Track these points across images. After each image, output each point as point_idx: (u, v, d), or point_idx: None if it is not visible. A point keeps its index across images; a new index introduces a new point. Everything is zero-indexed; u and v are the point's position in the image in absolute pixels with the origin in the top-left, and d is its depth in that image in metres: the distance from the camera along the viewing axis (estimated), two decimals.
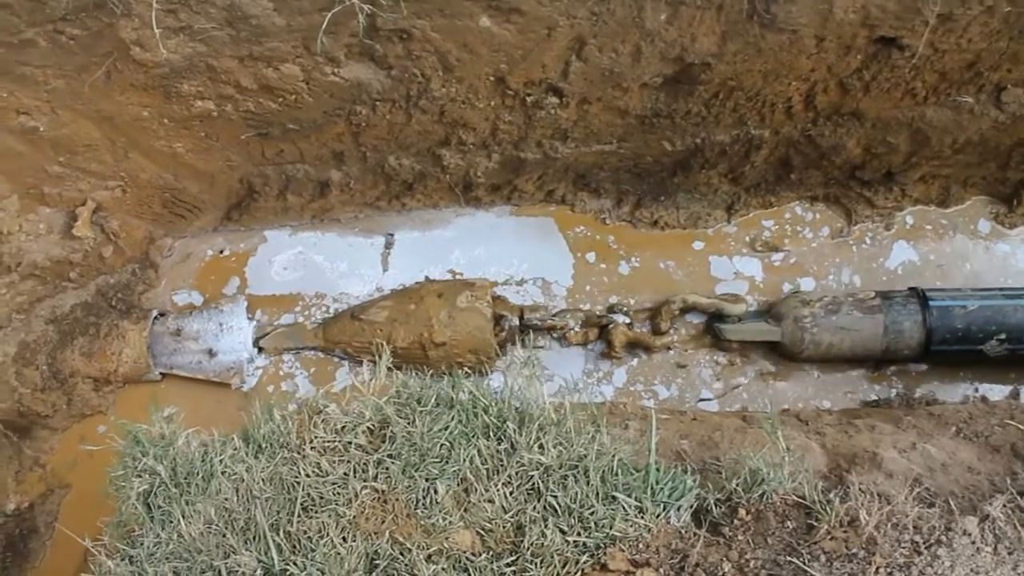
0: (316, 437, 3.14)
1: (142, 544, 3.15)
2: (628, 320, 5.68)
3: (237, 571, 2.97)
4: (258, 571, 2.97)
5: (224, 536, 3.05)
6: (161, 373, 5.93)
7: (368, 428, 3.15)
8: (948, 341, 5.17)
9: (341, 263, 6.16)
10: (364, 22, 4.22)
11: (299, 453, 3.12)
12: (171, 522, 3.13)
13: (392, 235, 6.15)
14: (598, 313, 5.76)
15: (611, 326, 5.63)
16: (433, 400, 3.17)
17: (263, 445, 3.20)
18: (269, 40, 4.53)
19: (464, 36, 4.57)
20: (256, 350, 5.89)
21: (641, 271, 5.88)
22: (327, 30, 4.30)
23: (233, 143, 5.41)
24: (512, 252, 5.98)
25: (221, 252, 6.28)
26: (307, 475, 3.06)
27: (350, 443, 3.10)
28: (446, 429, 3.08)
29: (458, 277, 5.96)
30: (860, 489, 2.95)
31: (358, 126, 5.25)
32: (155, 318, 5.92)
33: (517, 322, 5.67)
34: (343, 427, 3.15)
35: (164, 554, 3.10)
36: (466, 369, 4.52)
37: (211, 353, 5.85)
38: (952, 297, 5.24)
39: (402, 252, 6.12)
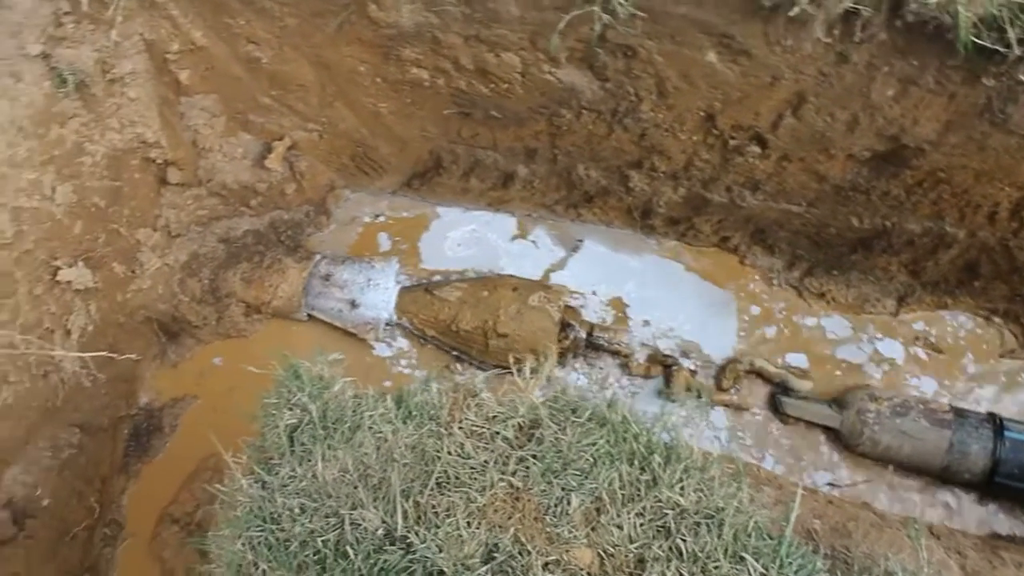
0: (466, 419, 3.18)
1: (277, 473, 3.25)
2: (694, 367, 5.64)
3: (360, 524, 3.04)
4: (379, 530, 3.02)
5: (356, 488, 3.12)
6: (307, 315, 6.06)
7: (519, 424, 3.18)
8: (1015, 476, 4.90)
9: (514, 245, 6.24)
10: (598, 30, 4.26)
11: (446, 430, 3.17)
12: (309, 461, 3.21)
13: (581, 241, 6.17)
14: (665, 352, 5.73)
15: (675, 367, 5.59)
16: (588, 414, 3.17)
17: (414, 413, 3.26)
18: (499, 26, 4.62)
19: (687, 66, 4.57)
20: (394, 315, 5.94)
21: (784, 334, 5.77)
22: (556, 30, 4.36)
23: (434, 115, 5.55)
24: (682, 308, 5.91)
25: (377, 217, 6.46)
26: (449, 453, 3.10)
27: (498, 433, 3.13)
28: (593, 445, 3.08)
29: (601, 301, 5.97)
30: None
31: (558, 128, 5.30)
32: (317, 261, 6.06)
33: (584, 335, 5.66)
34: (494, 416, 3.18)
35: (295, 489, 3.19)
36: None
37: (353, 304, 5.96)
38: None
39: (583, 258, 6.14)
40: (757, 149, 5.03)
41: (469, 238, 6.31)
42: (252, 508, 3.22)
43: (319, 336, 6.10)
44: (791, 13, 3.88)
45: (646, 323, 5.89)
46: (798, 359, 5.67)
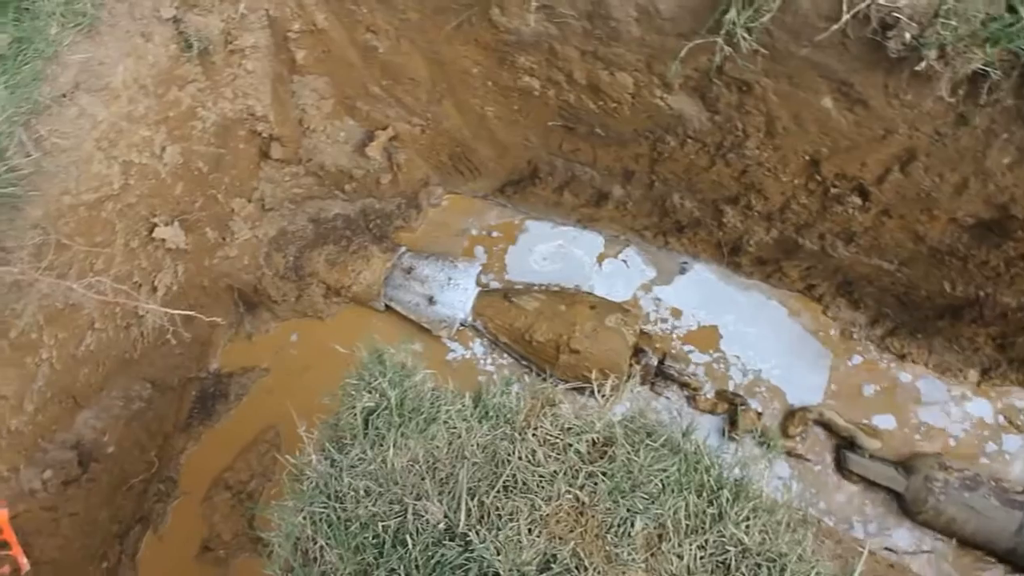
0: (542, 427, 3.20)
1: (347, 453, 3.30)
2: (761, 410, 5.60)
3: (423, 516, 3.07)
4: (441, 524, 3.06)
5: (423, 479, 3.16)
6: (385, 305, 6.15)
7: (593, 439, 3.19)
8: None
9: (607, 264, 6.26)
10: (717, 62, 4.27)
11: (520, 435, 3.19)
12: (381, 446, 3.26)
13: (687, 264, 6.15)
14: (733, 391, 5.69)
15: (742, 407, 5.56)
16: (662, 440, 3.17)
17: (490, 413, 3.29)
18: (617, 46, 4.65)
19: (800, 109, 4.55)
20: (469, 316, 5.99)
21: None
22: (676, 57, 4.37)
23: (538, 125, 5.59)
24: (777, 352, 5.85)
25: (466, 221, 6.53)
26: (520, 457, 3.12)
27: (571, 446, 3.15)
28: (664, 471, 3.08)
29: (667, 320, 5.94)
30: None
31: (660, 154, 5.31)
32: (401, 253, 6.15)
33: (655, 362, 5.67)
34: (570, 428, 3.20)
35: (363, 471, 3.24)
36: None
37: (431, 300, 6.04)
38: None
39: (688, 282, 6.13)
40: (858, 200, 4.96)
41: (555, 253, 6.35)
42: (318, 484, 3.28)
43: (393, 327, 6.22)
44: (916, 68, 3.83)
45: (736, 358, 5.88)
46: (884, 420, 5.57)
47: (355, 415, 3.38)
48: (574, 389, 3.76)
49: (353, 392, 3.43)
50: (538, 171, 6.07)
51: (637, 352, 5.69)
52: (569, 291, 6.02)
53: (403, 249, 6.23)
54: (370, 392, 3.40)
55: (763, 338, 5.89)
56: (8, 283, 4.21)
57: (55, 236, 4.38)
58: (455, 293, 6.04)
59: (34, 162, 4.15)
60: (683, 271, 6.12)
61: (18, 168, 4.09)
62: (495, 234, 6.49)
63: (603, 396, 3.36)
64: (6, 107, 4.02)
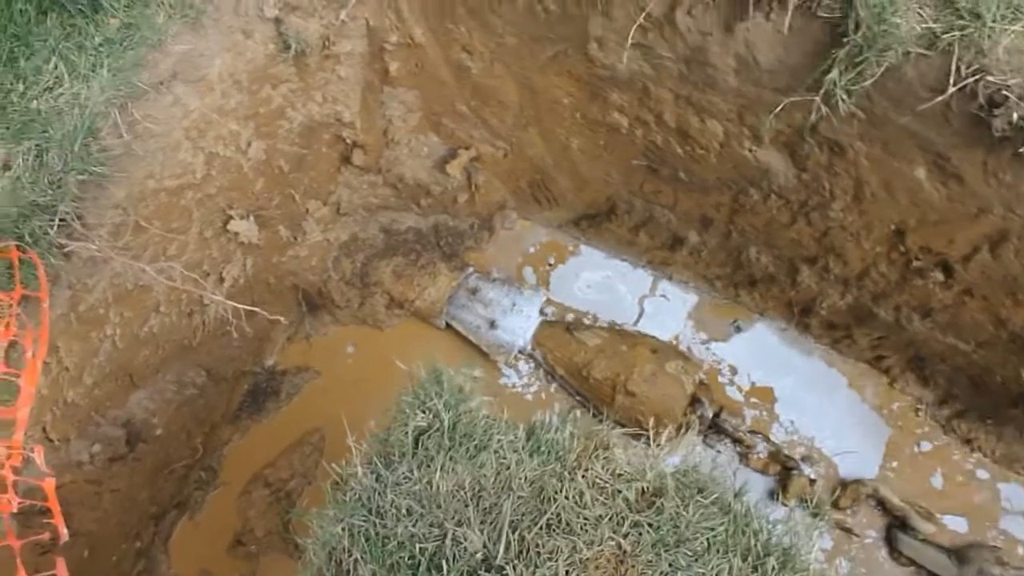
0: (592, 469, 3.18)
1: (394, 470, 3.31)
2: (814, 477, 5.47)
3: (462, 543, 3.06)
4: (479, 554, 3.04)
5: (466, 506, 3.15)
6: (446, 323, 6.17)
7: (643, 488, 3.16)
8: None
9: (648, 304, 6.25)
10: (812, 120, 4.22)
11: (569, 474, 3.17)
12: (428, 467, 3.26)
13: (738, 327, 6.10)
14: (787, 454, 5.57)
15: (795, 472, 5.46)
16: (713, 497, 3.12)
17: (542, 448, 3.27)
18: (712, 93, 4.64)
19: (891, 177, 4.48)
20: (529, 345, 5.96)
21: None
22: (770, 111, 4.34)
23: (621, 163, 5.59)
24: (833, 421, 5.74)
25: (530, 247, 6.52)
26: (567, 497, 3.10)
27: (619, 492, 3.12)
28: (712, 530, 3.03)
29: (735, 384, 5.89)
30: None
31: (741, 206, 5.27)
32: (468, 274, 6.19)
33: (711, 415, 5.58)
34: (620, 474, 3.17)
35: (408, 490, 3.24)
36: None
37: (492, 325, 6.04)
38: None
39: (747, 340, 6.06)
40: (940, 276, 4.86)
41: (601, 283, 6.35)
42: (361, 497, 3.28)
43: (451, 346, 6.24)
44: (1021, 149, 3.75)
45: (791, 422, 5.79)
46: (955, 522, 5.37)
47: (406, 433, 3.38)
48: (629, 435, 3.71)
49: (407, 409, 3.44)
50: (616, 208, 6.06)
51: (694, 402, 5.62)
52: (631, 332, 5.99)
53: (471, 270, 6.26)
54: (424, 412, 3.41)
55: (820, 405, 5.79)
56: (84, 258, 4.31)
57: (134, 218, 4.48)
58: (517, 320, 6.03)
59: (125, 144, 4.27)
60: (738, 329, 6.07)
61: (109, 149, 4.20)
62: (546, 253, 6.51)
63: (658, 445, 3.32)
64: (106, 89, 4.14)
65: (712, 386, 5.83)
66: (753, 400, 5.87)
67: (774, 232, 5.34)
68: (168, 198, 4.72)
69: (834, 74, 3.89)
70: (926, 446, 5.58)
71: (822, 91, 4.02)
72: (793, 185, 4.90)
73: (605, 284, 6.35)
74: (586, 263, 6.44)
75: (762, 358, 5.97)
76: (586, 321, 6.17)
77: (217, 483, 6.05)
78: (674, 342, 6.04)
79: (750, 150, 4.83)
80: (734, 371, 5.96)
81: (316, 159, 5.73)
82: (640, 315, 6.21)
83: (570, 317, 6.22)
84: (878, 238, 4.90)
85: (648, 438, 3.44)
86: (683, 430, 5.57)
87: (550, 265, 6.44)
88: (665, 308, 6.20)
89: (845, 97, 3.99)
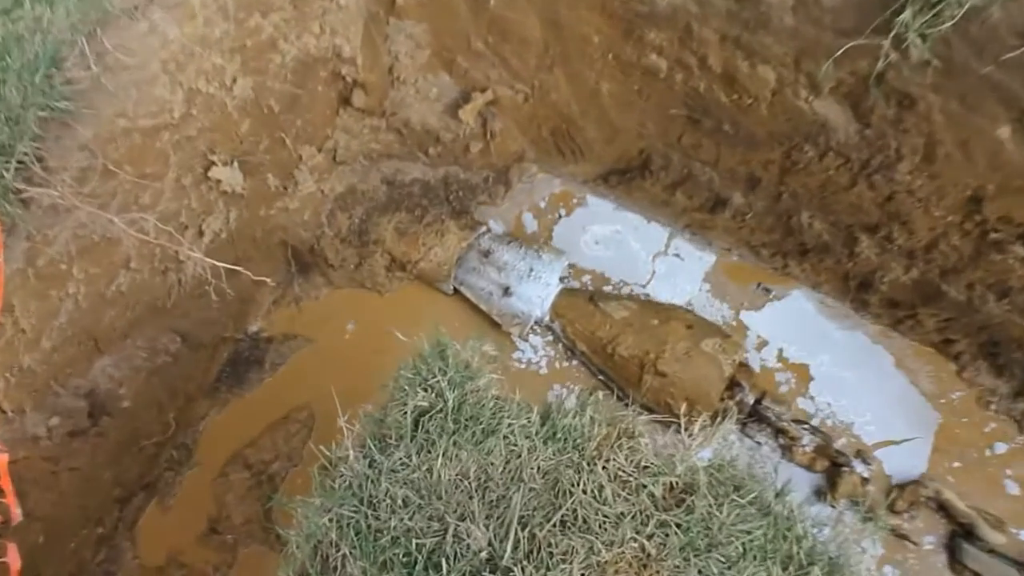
0: (614, 460, 3.17)
1: (390, 455, 3.31)
2: (867, 475, 5.40)
3: (464, 540, 3.06)
4: (484, 552, 3.04)
5: (471, 498, 3.15)
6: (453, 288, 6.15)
7: (671, 483, 3.15)
8: None
9: (660, 263, 6.20)
10: (879, 68, 4.16)
11: (588, 465, 3.17)
12: (429, 453, 3.26)
13: (770, 290, 6.03)
14: (839, 448, 5.50)
15: (845, 469, 5.40)
16: (752, 497, 3.11)
17: (558, 435, 3.26)
18: (765, 34, 4.57)
19: (970, 135, 4.40)
20: (547, 315, 5.93)
21: None
22: (831, 56, 4.28)
23: (658, 112, 5.53)
24: (875, 406, 5.66)
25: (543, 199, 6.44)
26: (584, 492, 3.09)
27: (644, 487, 3.11)
28: (749, 534, 3.02)
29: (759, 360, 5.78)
30: None
31: (794, 164, 5.20)
32: (481, 233, 6.14)
33: (751, 401, 5.51)
34: (646, 467, 3.16)
35: (405, 478, 3.24)
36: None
37: (506, 291, 6.02)
38: None
39: (772, 309, 6.00)
40: (1022, 251, 4.78)
41: (610, 238, 6.30)
42: (352, 484, 3.29)
43: (458, 315, 6.21)
44: None
45: (827, 405, 5.71)
46: None
47: (405, 413, 3.37)
48: (657, 422, 3.67)
49: (407, 387, 3.43)
50: (650, 163, 5.99)
51: (732, 385, 5.56)
52: (666, 305, 5.93)
53: (484, 229, 6.22)
54: (426, 390, 3.40)
55: (862, 387, 5.71)
56: (45, 206, 4.29)
57: (102, 161, 4.43)
58: (535, 287, 6.00)
59: (93, 77, 4.23)
60: (766, 291, 5.99)
61: (75, 81, 4.17)
62: (551, 204, 6.45)
63: (690, 434, 3.30)
64: (72, 13, 4.10)
65: (754, 366, 5.76)
66: (784, 378, 5.82)
67: (830, 195, 5.28)
68: (142, 140, 4.68)
69: (907, 15, 3.83)
70: (1001, 448, 5.48)
71: (892, 34, 3.96)
72: (854, 142, 4.82)
73: (615, 240, 6.29)
74: (594, 215, 6.39)
75: (797, 330, 5.89)
76: (607, 289, 6.10)
77: (191, 463, 6.07)
78: (724, 316, 5.99)
79: (806, 100, 4.76)
80: (763, 345, 5.89)
81: (311, 99, 5.69)
82: (651, 277, 6.16)
83: (587, 280, 6.16)
84: (951, 205, 4.82)
85: (679, 426, 3.41)
86: (719, 418, 5.51)
87: (548, 210, 6.41)
88: (678, 268, 6.14)
89: (918, 42, 3.93)
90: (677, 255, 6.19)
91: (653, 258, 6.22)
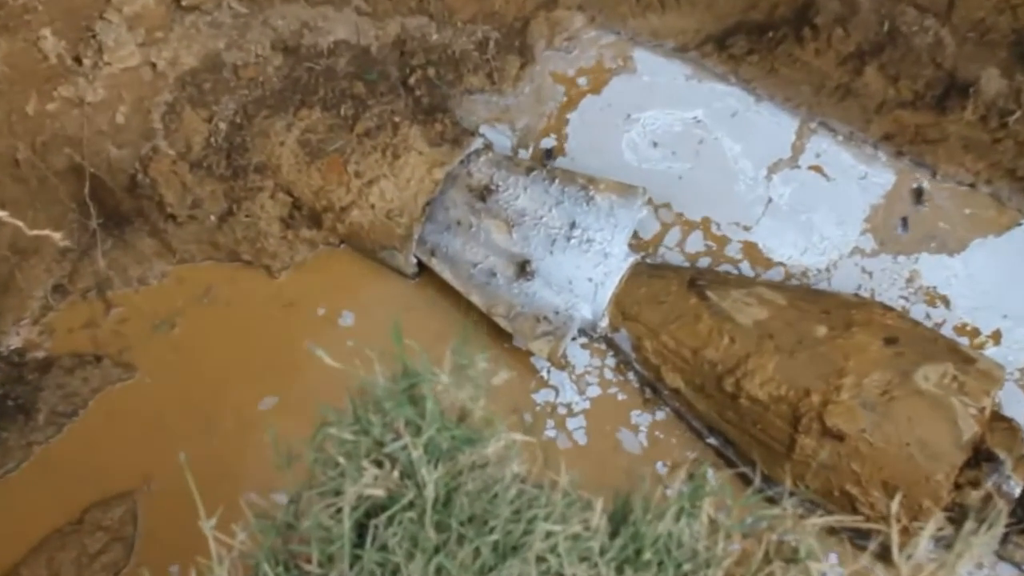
0: None
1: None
2: None
3: None
4: None
5: None
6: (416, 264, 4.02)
7: None
8: None
9: (781, 184, 4.11)
10: None
11: None
12: None
13: (922, 190, 4.10)
14: None
15: None
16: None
17: (645, 555, 1.89)
18: None
19: None
20: (604, 318, 3.85)
21: None
22: None
23: None
24: None
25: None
26: None
27: None
28: None
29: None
30: None
31: None
32: (475, 151, 3.98)
33: (1018, 490, 3.57)
34: None
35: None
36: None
37: (523, 271, 3.93)
38: None
39: (981, 251, 4.07)
40: None
41: (682, 135, 4.20)
42: None
43: (429, 316, 4.19)
44: None
45: None
46: None
47: (338, 511, 1.92)
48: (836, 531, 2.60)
49: (341, 459, 1.93)
50: (812, 11, 3.83)
51: (978, 457, 3.57)
52: (846, 297, 3.81)
53: (478, 143, 3.98)
54: (379, 464, 1.93)
55: None
56: None
57: None
58: (582, 259, 3.88)
59: None
60: (918, 197, 4.08)
61: None
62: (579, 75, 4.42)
63: (904, 554, 1.93)
64: None
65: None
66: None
67: None
68: None
69: None
70: None
71: None
72: None
73: (689, 136, 4.18)
74: (650, 88, 4.27)
75: (997, 281, 4.05)
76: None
77: None
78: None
79: None
80: (944, 302, 4.02)
81: None
82: (766, 208, 4.04)
83: (724, 270, 4.14)
84: None
85: (879, 535, 2.06)
86: (960, 523, 3.25)
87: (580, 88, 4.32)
88: (821, 195, 4.13)
89: None
90: (819, 168, 4.09)
91: (768, 174, 4.13)
